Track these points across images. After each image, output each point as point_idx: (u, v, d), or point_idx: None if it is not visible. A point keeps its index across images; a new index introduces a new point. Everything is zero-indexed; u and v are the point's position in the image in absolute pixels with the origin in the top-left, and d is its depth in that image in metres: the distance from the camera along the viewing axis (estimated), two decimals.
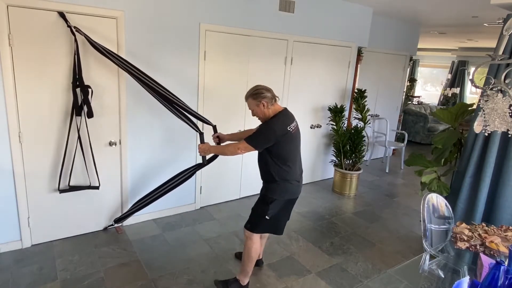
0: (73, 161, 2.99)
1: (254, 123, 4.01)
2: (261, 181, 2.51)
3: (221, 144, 2.76)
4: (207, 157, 2.85)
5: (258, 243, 2.53)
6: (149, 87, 2.79)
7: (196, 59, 3.51)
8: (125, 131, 3.24)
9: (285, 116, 2.38)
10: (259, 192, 2.54)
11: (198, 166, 2.95)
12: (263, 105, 2.35)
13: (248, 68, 3.91)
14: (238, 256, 3.00)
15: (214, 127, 2.87)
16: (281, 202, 2.44)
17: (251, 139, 2.33)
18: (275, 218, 2.47)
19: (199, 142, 2.76)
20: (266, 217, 2.42)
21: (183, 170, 3.02)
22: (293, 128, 2.38)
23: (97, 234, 3.28)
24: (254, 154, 2.47)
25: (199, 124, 3.38)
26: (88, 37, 2.73)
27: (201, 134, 2.79)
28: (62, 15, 2.69)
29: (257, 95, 2.35)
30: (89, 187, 3.10)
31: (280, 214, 2.49)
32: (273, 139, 2.29)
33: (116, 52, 3.00)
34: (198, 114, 2.97)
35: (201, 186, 3.93)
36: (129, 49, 3.09)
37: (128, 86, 3.14)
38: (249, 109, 2.43)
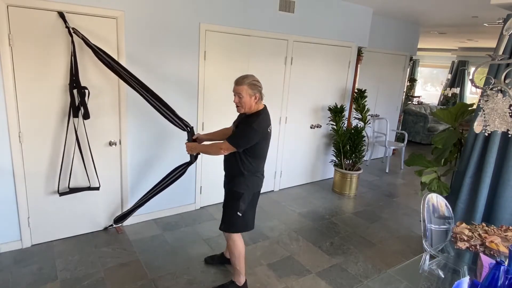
0: (72, 163, 2.99)
1: None
2: (226, 178, 2.52)
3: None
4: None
5: (240, 241, 2.52)
6: (144, 89, 2.79)
7: (196, 59, 3.51)
8: (125, 131, 3.24)
9: (266, 116, 2.38)
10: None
11: (188, 164, 2.93)
12: (255, 98, 2.30)
13: (248, 68, 3.91)
14: (209, 261, 2.95)
15: (191, 130, 2.82)
16: (249, 195, 2.44)
17: (234, 139, 2.31)
18: (245, 213, 2.47)
19: (195, 136, 2.76)
20: (238, 213, 2.42)
21: (174, 168, 3.00)
22: (271, 128, 2.41)
23: (97, 234, 3.28)
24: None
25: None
26: (86, 39, 2.73)
27: (189, 132, 2.79)
28: (61, 15, 2.69)
29: (255, 86, 2.29)
30: (89, 188, 3.10)
31: (248, 209, 2.48)
32: (255, 141, 2.29)
33: (116, 54, 3.01)
34: (175, 117, 2.88)
35: (201, 186, 3.93)
36: (129, 49, 3.09)
37: (128, 86, 3.13)
38: (238, 94, 2.29)
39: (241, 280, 2.58)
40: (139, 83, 2.78)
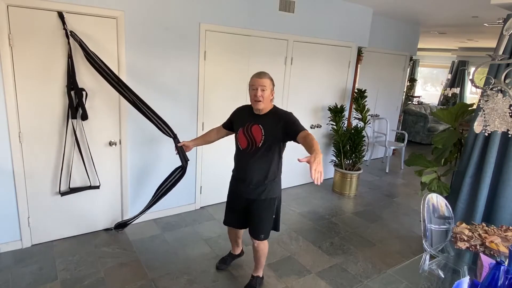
0: (72, 163, 3.00)
1: None
2: (254, 185, 2.34)
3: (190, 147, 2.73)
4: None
5: (267, 244, 2.59)
6: (134, 96, 2.81)
7: (196, 59, 3.51)
8: (125, 131, 3.24)
9: None
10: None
11: (181, 169, 2.88)
12: (272, 94, 2.29)
13: (248, 68, 3.91)
14: (222, 266, 2.86)
15: (175, 137, 2.81)
16: (279, 197, 2.46)
17: (302, 126, 2.20)
18: (276, 214, 2.51)
19: (181, 144, 2.74)
20: (273, 216, 2.45)
21: (168, 175, 3.00)
22: None
23: (97, 234, 3.28)
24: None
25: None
26: (83, 43, 2.71)
27: (174, 138, 2.79)
28: (61, 16, 2.69)
29: (273, 82, 2.29)
30: (90, 187, 3.11)
31: (278, 209, 2.53)
32: None
33: (116, 55, 3.02)
34: (163, 124, 2.89)
35: (201, 186, 3.93)
36: (129, 50, 3.09)
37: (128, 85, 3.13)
38: (261, 87, 2.20)
39: (261, 273, 2.71)
40: (129, 91, 2.77)
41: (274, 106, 2.35)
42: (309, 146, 2.03)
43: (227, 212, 2.60)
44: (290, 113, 2.29)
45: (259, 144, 2.27)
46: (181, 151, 2.75)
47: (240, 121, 2.39)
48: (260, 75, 2.25)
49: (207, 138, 2.71)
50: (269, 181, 2.35)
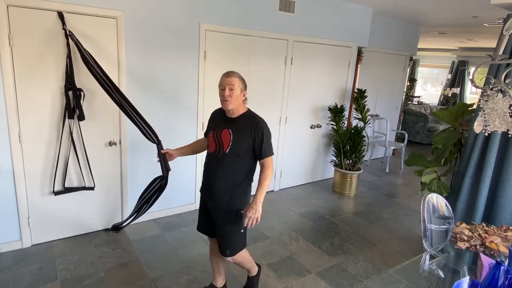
0: (67, 163, 2.99)
1: None
2: (219, 193, 2.16)
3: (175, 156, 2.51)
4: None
5: (244, 251, 2.32)
6: (124, 100, 2.70)
7: (196, 59, 3.51)
8: (125, 131, 3.24)
9: None
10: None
11: (162, 180, 2.72)
12: (244, 96, 2.14)
13: (248, 68, 3.91)
14: None
15: (159, 143, 2.64)
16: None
17: (270, 149, 2.13)
18: (245, 229, 2.21)
19: (165, 151, 2.54)
20: (242, 231, 2.19)
21: (149, 184, 2.86)
22: None
23: (97, 234, 3.28)
24: None
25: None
26: (79, 43, 2.70)
27: (157, 145, 2.62)
28: (60, 16, 2.69)
29: (244, 82, 2.15)
30: (84, 188, 3.10)
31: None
32: None
33: (116, 55, 3.02)
34: (148, 129, 2.74)
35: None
36: (129, 50, 3.09)
37: (128, 85, 3.14)
38: (229, 86, 2.09)
39: (255, 270, 2.51)
40: (118, 93, 2.68)
41: (249, 110, 2.19)
42: (258, 184, 2.10)
43: (198, 217, 2.41)
44: (265, 126, 2.12)
45: (226, 150, 2.10)
46: (164, 159, 2.54)
47: (212, 125, 2.27)
48: (228, 74, 2.14)
49: (195, 148, 2.55)
50: (235, 191, 2.16)
